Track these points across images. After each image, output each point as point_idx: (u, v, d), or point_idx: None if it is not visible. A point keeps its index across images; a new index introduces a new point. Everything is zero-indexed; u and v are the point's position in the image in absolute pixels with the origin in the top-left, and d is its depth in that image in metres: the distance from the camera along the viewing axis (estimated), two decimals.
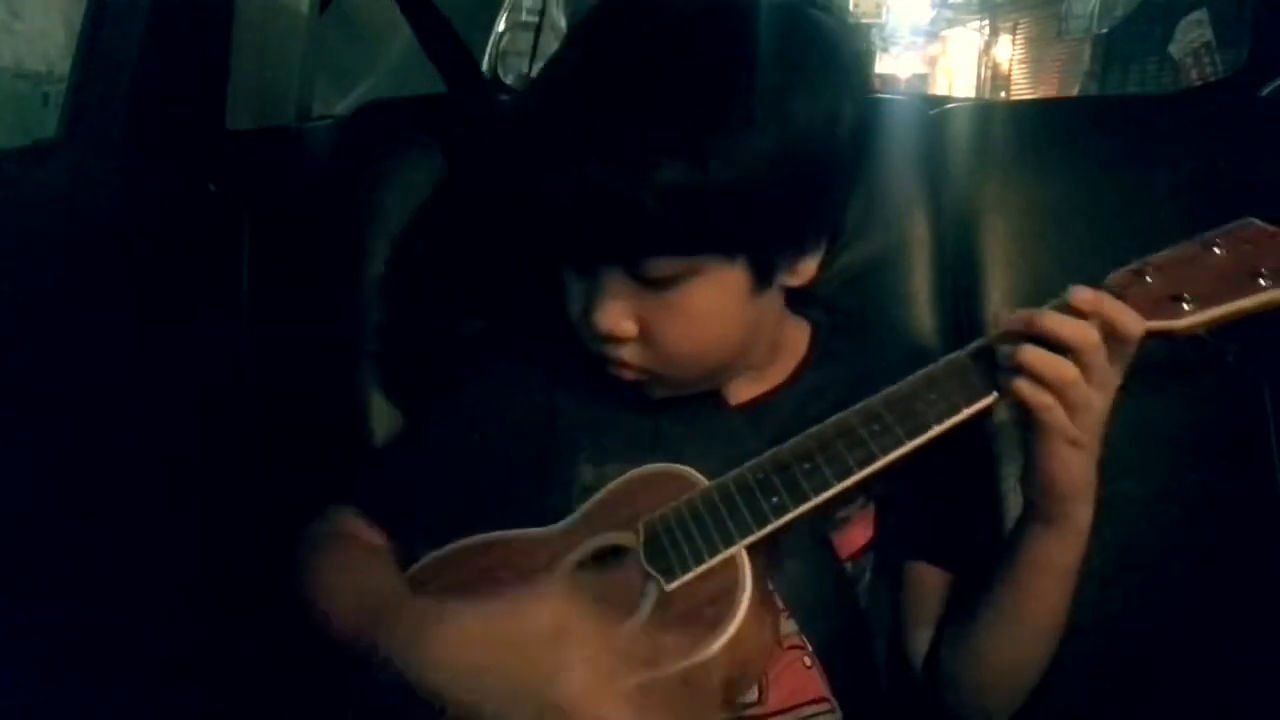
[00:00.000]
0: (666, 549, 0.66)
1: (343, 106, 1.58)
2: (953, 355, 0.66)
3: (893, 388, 0.66)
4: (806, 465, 0.65)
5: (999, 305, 0.96)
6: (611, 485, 0.71)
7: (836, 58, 0.68)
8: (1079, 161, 1.00)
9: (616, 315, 0.68)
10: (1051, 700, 0.88)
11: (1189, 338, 0.64)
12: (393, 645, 0.66)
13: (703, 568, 0.65)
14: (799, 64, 0.66)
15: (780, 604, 0.71)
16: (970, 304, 0.96)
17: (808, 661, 0.71)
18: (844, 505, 0.74)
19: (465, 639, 0.64)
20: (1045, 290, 0.66)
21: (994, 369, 0.64)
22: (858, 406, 0.66)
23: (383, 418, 0.94)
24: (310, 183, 1.07)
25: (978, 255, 0.98)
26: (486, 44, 1.99)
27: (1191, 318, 0.64)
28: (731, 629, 0.62)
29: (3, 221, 0.78)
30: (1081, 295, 0.63)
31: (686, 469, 0.70)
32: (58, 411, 0.78)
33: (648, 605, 0.65)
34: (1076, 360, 0.61)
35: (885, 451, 0.64)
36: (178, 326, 0.94)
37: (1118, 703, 0.94)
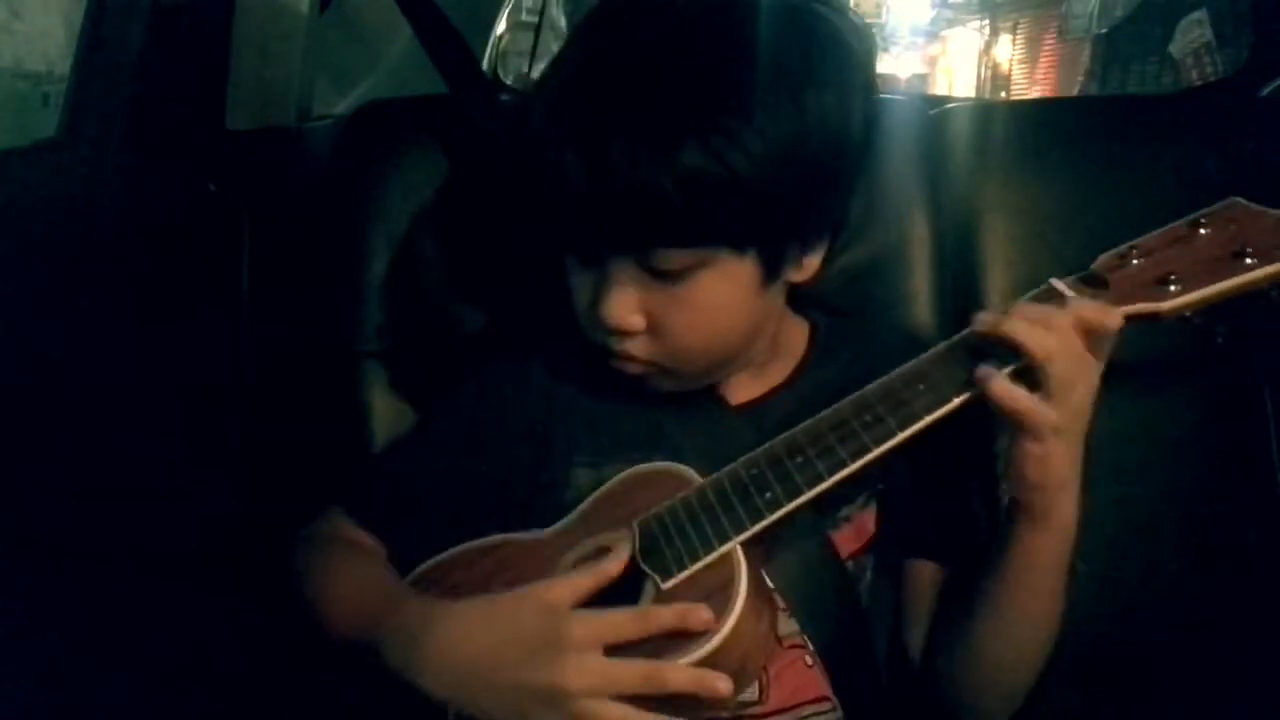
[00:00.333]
0: (662, 547, 0.66)
1: (343, 106, 1.58)
2: (944, 344, 0.66)
3: (884, 379, 0.66)
4: (799, 459, 0.65)
5: (999, 305, 0.96)
6: (607, 485, 0.71)
7: (848, 53, 0.69)
8: (1079, 161, 1.00)
9: (625, 308, 0.68)
10: (1052, 700, 0.88)
11: (1177, 319, 0.64)
12: (391, 645, 0.66)
13: (698, 565, 0.65)
14: (813, 58, 0.67)
15: (781, 603, 0.71)
16: (970, 304, 0.96)
17: (809, 660, 0.71)
18: (845, 504, 0.74)
19: (462, 637, 0.65)
20: None
21: (983, 358, 0.64)
22: (850, 398, 0.66)
23: (382, 417, 0.94)
24: (310, 183, 1.07)
25: (978, 255, 0.98)
26: (486, 44, 1.99)
27: (1177, 299, 0.63)
28: (728, 626, 0.62)
29: (3, 221, 0.78)
30: (982, 322, 0.63)
31: (682, 467, 0.70)
32: (58, 411, 0.78)
33: (644, 604, 0.65)
34: (1042, 369, 0.61)
35: (877, 443, 0.64)
36: (178, 326, 0.94)
37: (1118, 703, 0.94)
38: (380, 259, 0.94)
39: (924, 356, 0.66)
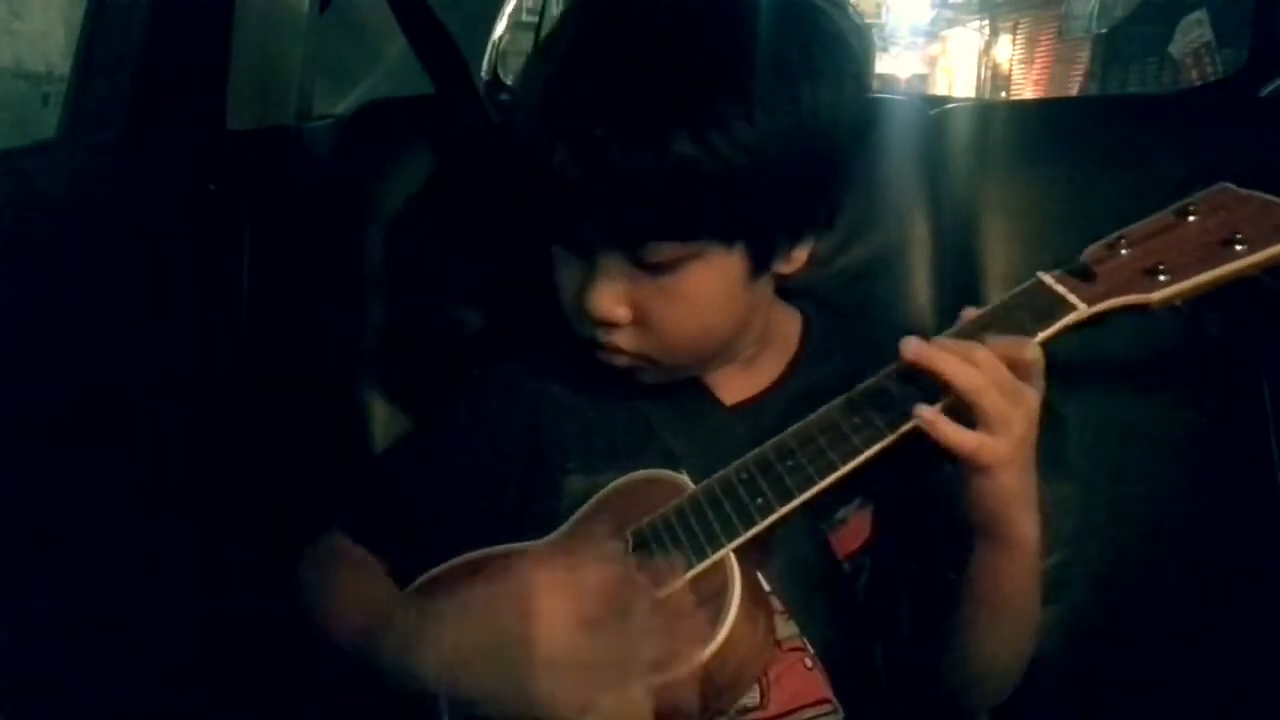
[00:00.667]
0: (656, 555, 0.65)
1: (343, 106, 1.57)
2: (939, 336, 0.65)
3: (874, 379, 0.65)
4: (789, 463, 0.65)
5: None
6: (601, 493, 0.71)
7: (843, 46, 0.68)
8: (1079, 161, 1.00)
9: (611, 300, 0.68)
10: (1053, 699, 0.88)
11: (1168, 310, 0.62)
12: (390, 648, 0.66)
13: (692, 573, 0.64)
14: (807, 49, 0.66)
15: (779, 605, 0.70)
16: (970, 304, 0.96)
17: (809, 663, 0.71)
18: (841, 505, 0.73)
19: (458, 631, 0.64)
20: None
21: None
22: (840, 399, 0.65)
23: (382, 417, 0.94)
24: (310, 183, 1.07)
25: (978, 255, 0.98)
26: (486, 44, 1.99)
27: (1167, 289, 0.62)
28: (721, 634, 0.62)
29: (3, 221, 0.78)
30: (911, 351, 0.61)
31: (676, 474, 0.69)
32: (57, 412, 0.78)
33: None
34: (974, 405, 0.60)
35: (868, 445, 0.63)
36: (178, 326, 0.94)
37: (1118, 702, 0.94)
38: (380, 259, 0.94)
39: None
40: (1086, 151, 1.01)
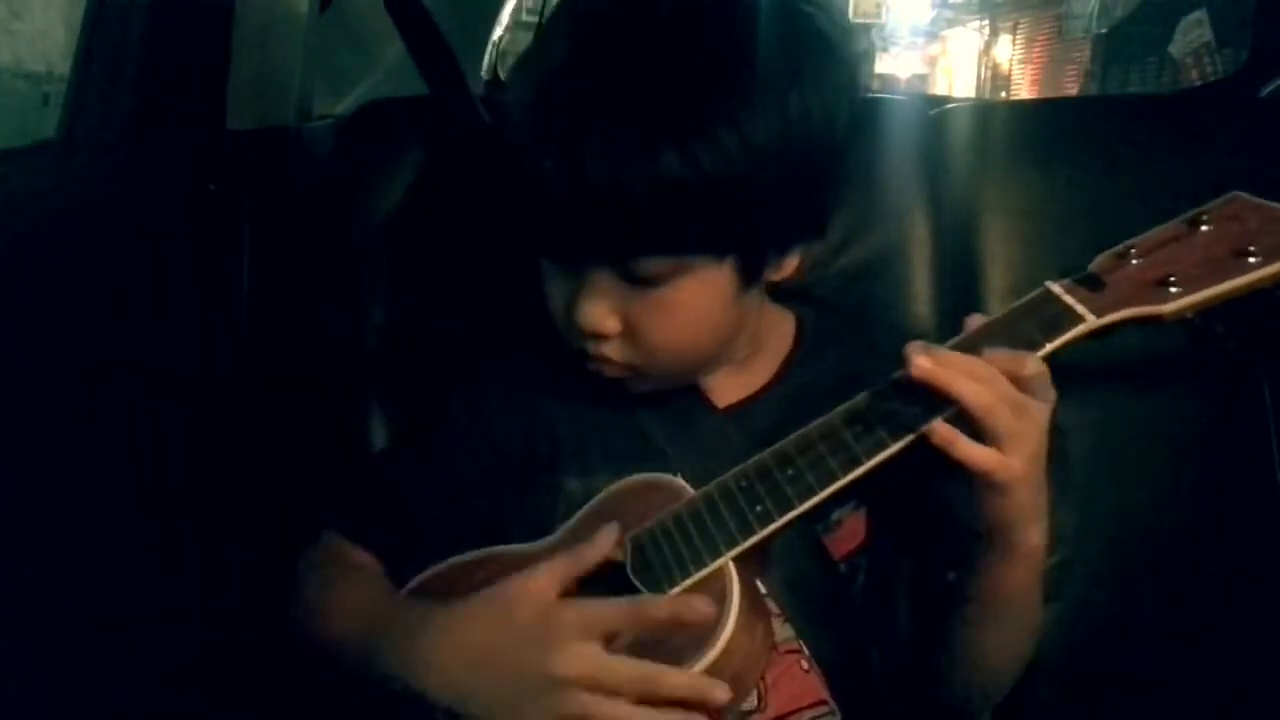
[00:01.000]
0: (653, 563, 0.65)
1: (343, 107, 1.57)
2: (944, 347, 0.63)
3: (877, 387, 0.64)
4: (790, 471, 0.64)
5: (998, 305, 0.96)
6: (599, 497, 0.70)
7: (832, 54, 0.68)
8: (1079, 161, 1.00)
9: (601, 313, 0.68)
10: (1053, 699, 0.89)
11: (1177, 321, 0.61)
12: (386, 653, 0.66)
13: (688, 582, 0.64)
14: (797, 58, 0.65)
15: (775, 608, 0.70)
16: (970, 304, 0.96)
17: (805, 665, 0.71)
18: (837, 506, 0.73)
19: (454, 635, 0.64)
20: None
21: None
22: (842, 407, 0.65)
23: (380, 417, 0.94)
24: (310, 183, 1.07)
25: (977, 255, 0.98)
26: (486, 44, 1.99)
27: (1178, 301, 0.60)
28: (719, 644, 0.61)
29: (3, 221, 0.78)
30: (919, 367, 0.59)
31: (673, 479, 0.69)
32: (57, 413, 0.78)
33: None
34: (983, 423, 0.59)
35: (869, 455, 0.62)
36: (177, 326, 0.94)
37: (1119, 701, 0.94)
38: (380, 259, 0.94)
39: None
40: (1086, 151, 1.01)
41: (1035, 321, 0.63)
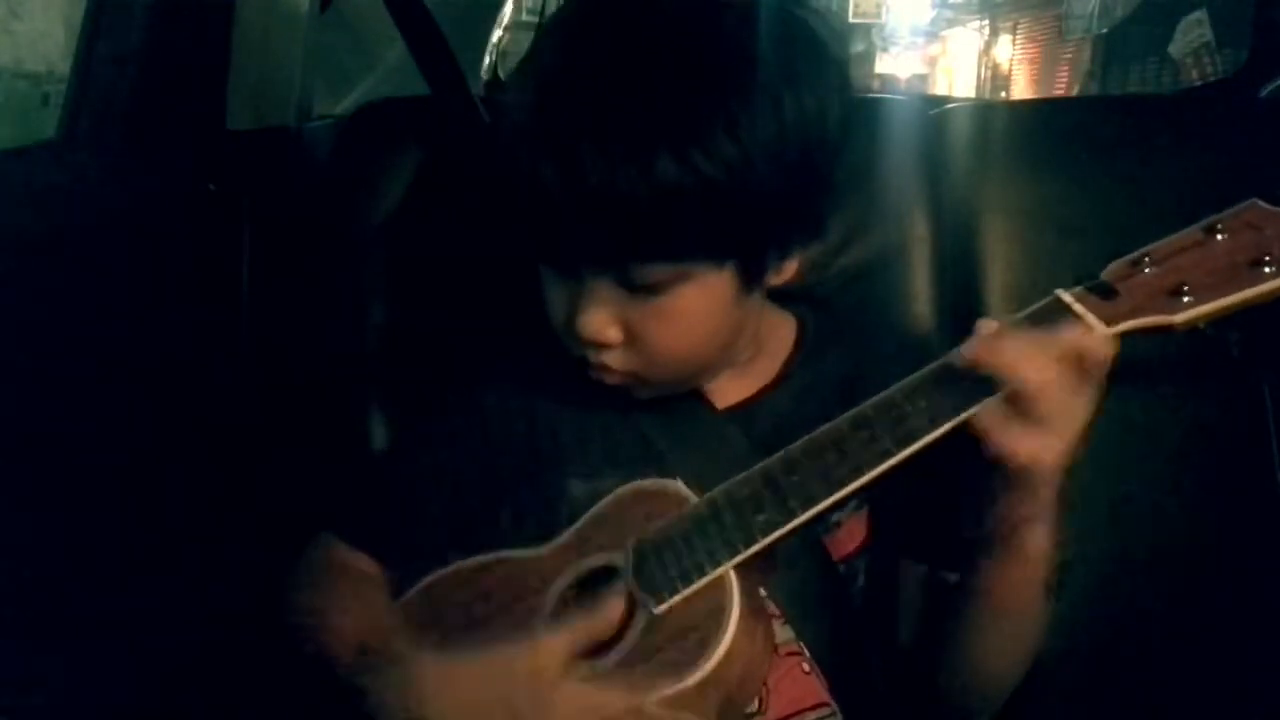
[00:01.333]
0: (655, 570, 0.65)
1: (343, 107, 1.58)
2: (944, 359, 0.63)
3: (883, 394, 0.63)
4: (794, 478, 0.63)
5: (999, 305, 0.96)
6: (602, 503, 0.70)
7: (825, 56, 0.68)
8: (1079, 161, 1.00)
9: (602, 322, 0.67)
10: (1053, 699, 0.88)
11: (1189, 330, 0.60)
12: (382, 686, 0.66)
13: (689, 590, 0.63)
14: (791, 61, 0.65)
15: (775, 610, 0.70)
16: (970, 304, 0.96)
17: (806, 667, 0.71)
18: (837, 509, 0.73)
19: (454, 697, 0.64)
20: (1044, 291, 0.64)
21: (980, 380, 0.61)
22: (848, 415, 0.64)
23: (380, 419, 0.94)
24: (310, 183, 1.07)
25: (978, 255, 0.98)
26: (487, 44, 1.99)
27: (1190, 311, 0.59)
28: (719, 652, 0.61)
29: (3, 221, 0.78)
30: (970, 351, 0.59)
31: (677, 484, 0.68)
32: (57, 413, 0.78)
33: (637, 628, 0.64)
34: (1034, 404, 0.58)
35: (873, 464, 0.62)
36: (177, 326, 0.94)
37: (1119, 702, 0.94)
38: (380, 259, 0.94)
39: (924, 370, 0.63)
40: (1086, 151, 1.01)
41: (1044, 329, 0.62)
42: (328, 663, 0.70)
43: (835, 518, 0.73)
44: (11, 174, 0.84)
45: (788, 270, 0.72)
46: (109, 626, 0.79)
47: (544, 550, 0.70)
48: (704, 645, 0.62)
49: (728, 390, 0.76)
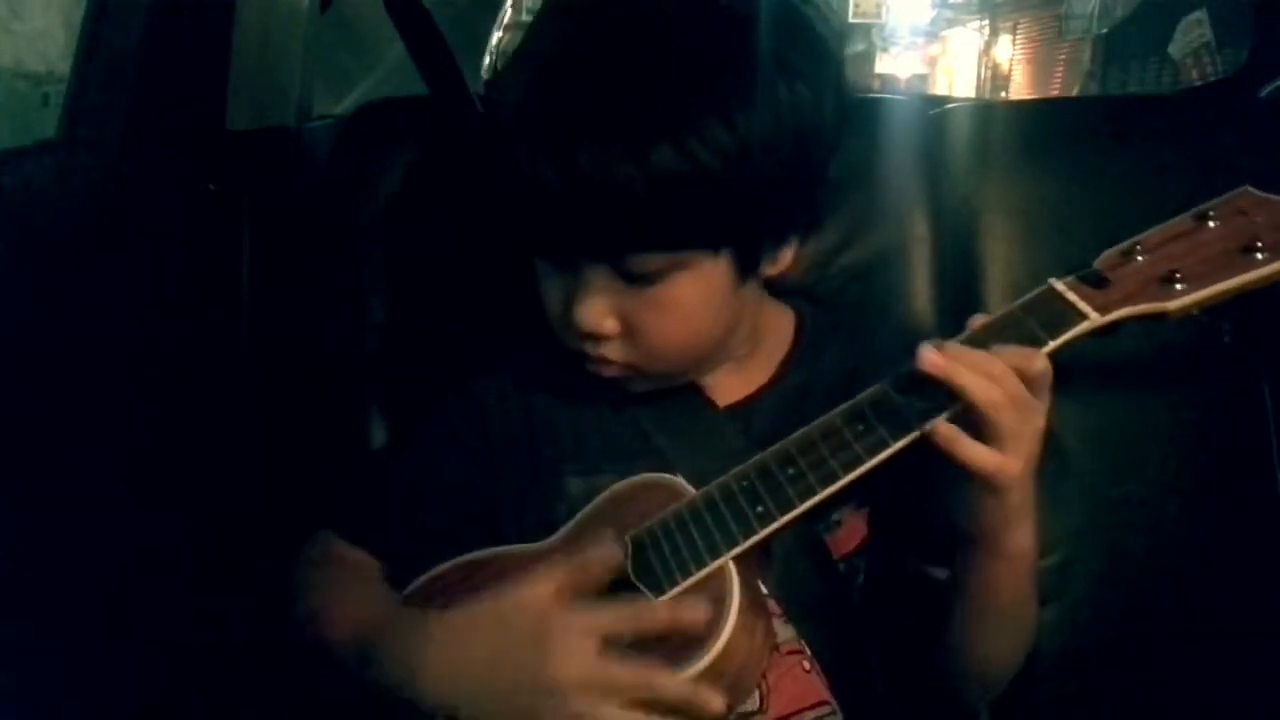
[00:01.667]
0: (653, 563, 0.65)
1: (343, 107, 1.58)
2: (951, 342, 0.63)
3: (877, 386, 0.64)
4: (791, 471, 0.64)
5: (998, 305, 0.96)
6: (600, 498, 0.70)
7: (819, 46, 0.68)
8: (1079, 161, 1.00)
9: (599, 313, 0.68)
10: (1053, 698, 0.89)
11: (1182, 318, 0.60)
12: (385, 658, 0.66)
13: (688, 582, 0.63)
14: (784, 50, 0.65)
15: (775, 608, 0.70)
16: (970, 304, 0.96)
17: (806, 665, 0.71)
18: (837, 506, 0.73)
19: (455, 643, 0.64)
20: None
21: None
22: (842, 407, 0.64)
23: (380, 417, 0.94)
24: (310, 183, 1.07)
25: (978, 255, 0.98)
26: (487, 44, 1.99)
27: (1183, 298, 0.60)
28: (719, 643, 0.61)
29: (3, 221, 0.78)
30: (927, 362, 0.59)
31: (674, 478, 0.69)
32: (57, 413, 0.78)
33: None
34: (989, 420, 0.59)
35: (870, 454, 0.62)
36: (177, 326, 0.94)
37: (1118, 701, 0.94)
38: (380, 259, 0.94)
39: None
40: (1086, 151, 1.01)
41: (1038, 319, 0.62)
42: (328, 657, 0.70)
43: (836, 516, 0.73)
44: (11, 174, 0.83)
45: (783, 260, 0.72)
46: (109, 626, 0.79)
47: (543, 545, 0.71)
48: (703, 637, 0.62)
49: (726, 387, 0.76)
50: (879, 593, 0.74)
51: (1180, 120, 1.06)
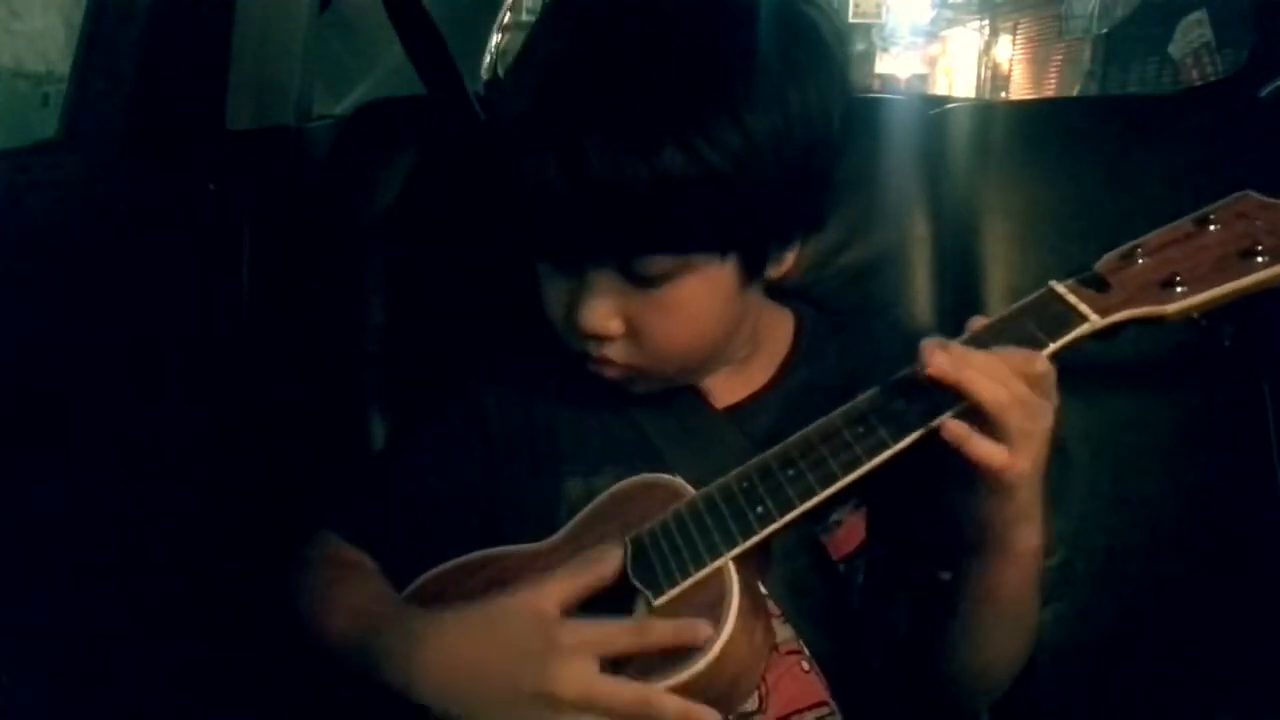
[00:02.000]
0: (653, 563, 0.65)
1: (342, 107, 1.58)
2: (955, 343, 0.63)
3: (877, 388, 0.64)
4: (790, 471, 0.64)
5: (998, 305, 0.96)
6: (600, 498, 0.70)
7: (826, 50, 0.68)
8: (1079, 161, 1.00)
9: (604, 314, 0.68)
10: (1053, 698, 0.89)
11: (1182, 321, 0.61)
12: (383, 658, 0.66)
13: (688, 582, 0.63)
14: (793, 53, 0.66)
15: (775, 609, 0.70)
16: (970, 304, 0.96)
17: (805, 666, 0.71)
18: (836, 507, 0.73)
19: (454, 646, 0.64)
20: None
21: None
22: (843, 408, 0.64)
23: (380, 418, 0.94)
24: (310, 183, 1.07)
25: (978, 255, 0.98)
26: (487, 44, 1.99)
27: (1183, 301, 0.60)
28: (719, 644, 0.61)
29: (3, 221, 0.78)
30: (934, 365, 0.59)
31: (674, 479, 0.69)
32: (56, 413, 0.78)
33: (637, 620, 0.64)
34: (997, 422, 0.59)
35: (870, 455, 0.62)
36: (177, 326, 0.94)
37: (1119, 701, 0.94)
38: (380, 259, 0.94)
39: (918, 365, 0.62)
40: (1086, 151, 1.01)
41: (1038, 321, 0.62)
42: (326, 656, 0.70)
43: (835, 517, 0.73)
44: (11, 174, 0.83)
45: (786, 263, 0.72)
46: (106, 625, 0.79)
47: (543, 545, 0.71)
48: (710, 634, 0.62)
49: (726, 389, 0.76)
50: (879, 594, 0.74)
51: (1180, 120, 1.06)
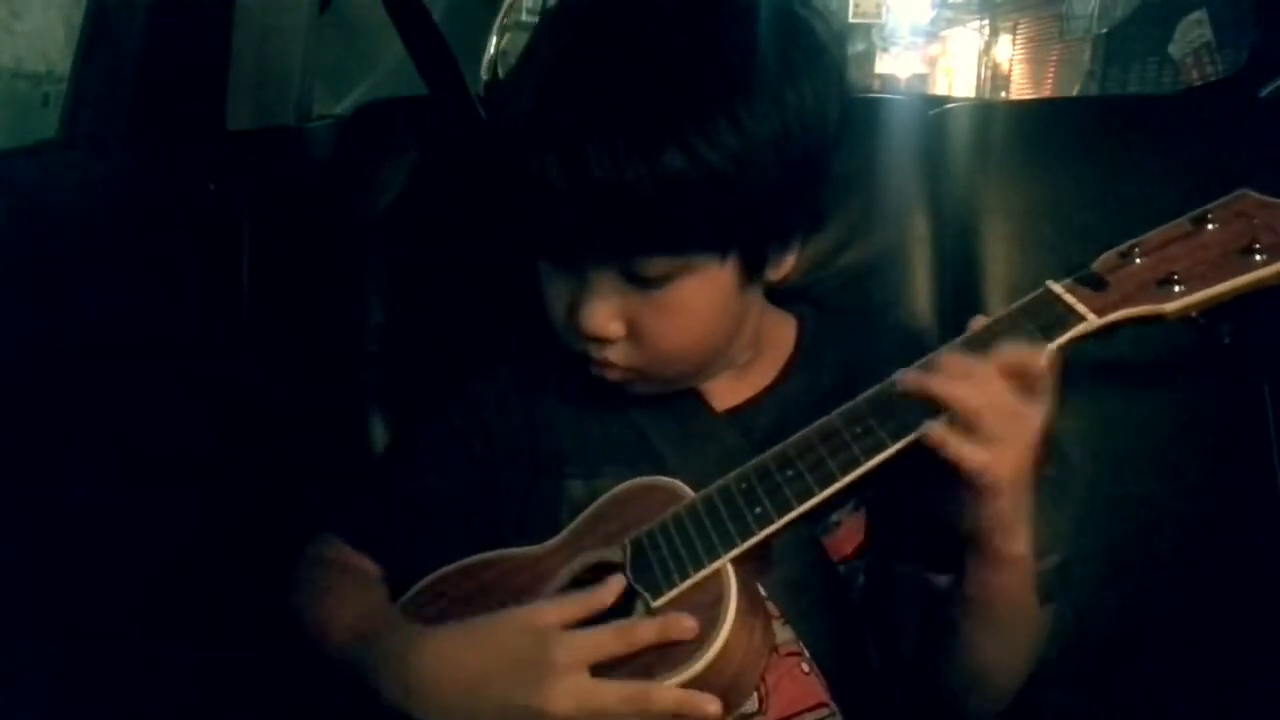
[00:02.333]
0: (652, 564, 0.65)
1: (342, 107, 1.58)
2: (936, 353, 0.64)
3: (876, 388, 0.64)
4: (789, 472, 0.64)
5: (998, 305, 0.96)
6: (600, 501, 0.70)
7: (823, 51, 0.68)
8: (1079, 161, 1.00)
9: (605, 316, 0.68)
10: (1052, 698, 0.88)
11: (1181, 320, 0.60)
12: (382, 669, 0.66)
13: (687, 583, 0.63)
14: (790, 55, 0.66)
15: (775, 610, 0.70)
16: (970, 303, 0.96)
17: (805, 667, 0.71)
18: (836, 508, 0.73)
19: (450, 660, 0.64)
20: None
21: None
22: (842, 409, 0.64)
23: (380, 419, 0.94)
24: (310, 183, 1.07)
25: (978, 255, 0.98)
26: (487, 44, 1.99)
27: (1181, 300, 0.59)
28: (718, 644, 0.61)
29: (3, 222, 0.78)
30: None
31: (674, 481, 0.69)
32: (57, 413, 0.78)
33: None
34: (972, 425, 0.59)
35: (868, 455, 0.62)
36: (177, 326, 0.94)
37: (1119, 701, 0.94)
38: (380, 259, 0.94)
39: (917, 364, 0.63)
40: (1086, 151, 1.01)
41: (1036, 321, 0.63)
42: (327, 658, 0.70)
43: (834, 518, 0.73)
44: (11, 174, 0.84)
45: (786, 264, 0.72)
46: (106, 626, 0.79)
47: (543, 548, 0.71)
48: (701, 639, 0.62)
49: (726, 392, 0.76)
50: (878, 597, 0.74)
51: (1180, 120, 1.06)
